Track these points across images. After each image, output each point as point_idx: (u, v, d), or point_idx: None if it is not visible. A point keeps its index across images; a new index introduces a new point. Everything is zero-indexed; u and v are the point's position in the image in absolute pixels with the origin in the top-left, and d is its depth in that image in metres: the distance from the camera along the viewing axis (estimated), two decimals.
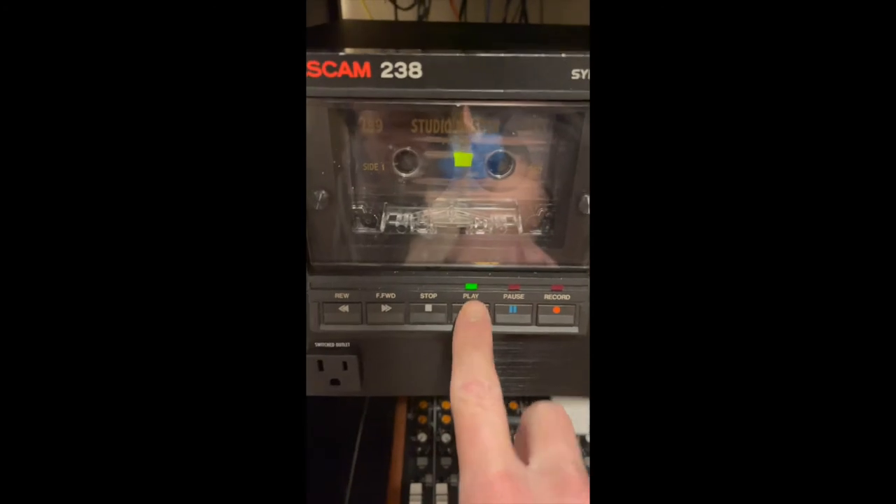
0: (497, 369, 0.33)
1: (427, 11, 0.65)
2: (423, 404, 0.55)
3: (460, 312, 0.28)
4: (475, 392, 0.24)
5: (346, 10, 0.68)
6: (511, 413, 0.54)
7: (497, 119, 0.27)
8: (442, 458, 0.49)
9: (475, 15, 0.66)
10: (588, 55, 0.23)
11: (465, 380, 0.24)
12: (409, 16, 0.66)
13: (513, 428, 0.58)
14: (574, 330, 0.29)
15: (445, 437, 0.51)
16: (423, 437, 0.51)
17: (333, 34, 0.39)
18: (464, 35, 0.42)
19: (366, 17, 0.68)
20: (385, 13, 0.66)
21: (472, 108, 0.26)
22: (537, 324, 0.29)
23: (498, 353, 0.33)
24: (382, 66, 0.23)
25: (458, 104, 0.25)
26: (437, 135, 0.27)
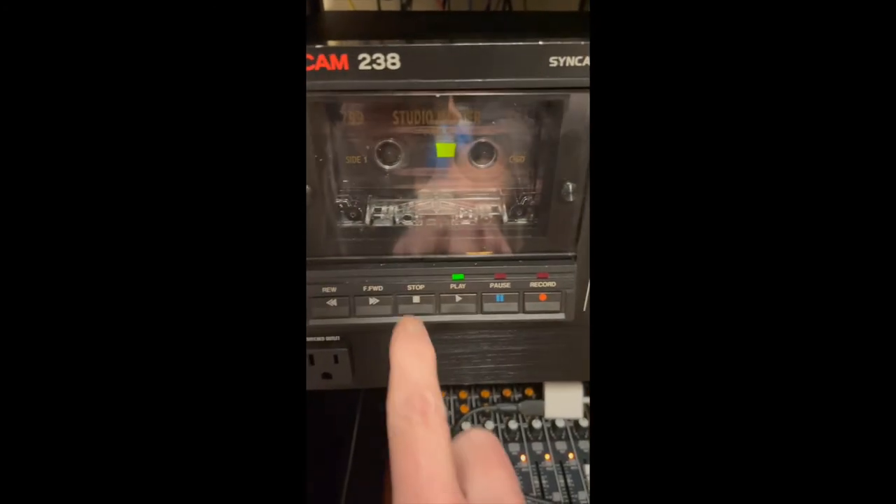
0: (487, 357, 0.34)
1: (410, 0, 0.65)
2: None
3: (398, 325, 0.25)
4: (419, 409, 0.21)
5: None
6: (505, 400, 0.54)
7: (478, 108, 0.27)
8: None
9: (459, 3, 0.65)
10: (566, 42, 0.23)
11: (408, 393, 0.21)
12: (393, 5, 0.66)
13: (507, 415, 0.58)
14: (560, 316, 0.30)
15: None
16: None
17: (313, 27, 0.39)
18: (446, 24, 0.42)
19: (348, 7, 0.67)
20: (368, 1, 0.65)
21: (452, 97, 0.26)
22: (524, 311, 0.30)
23: (488, 342, 0.33)
24: (360, 57, 0.23)
25: (436, 94, 0.25)
26: (418, 125, 0.27)
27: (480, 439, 0.23)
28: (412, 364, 0.22)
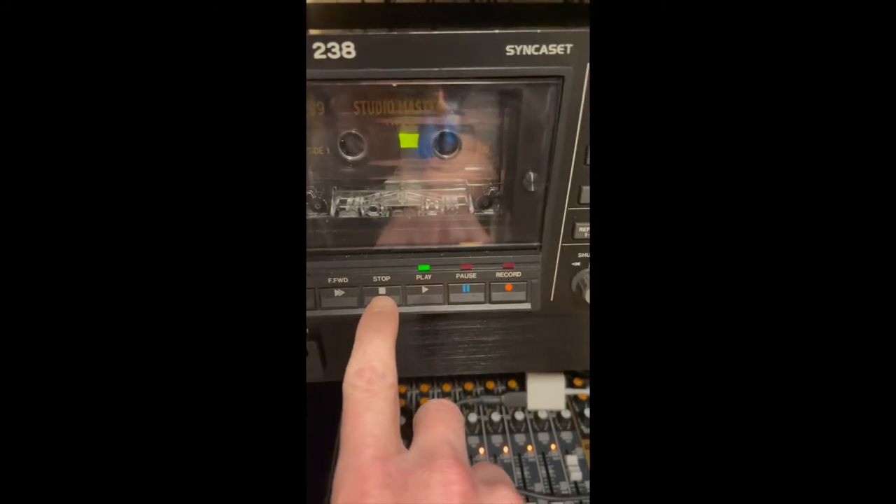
0: (458, 348, 0.34)
1: None
2: (402, 388, 0.55)
3: (368, 304, 0.28)
4: (366, 377, 0.23)
5: None
6: (488, 392, 0.54)
7: (439, 97, 0.27)
8: None
9: None
10: (522, 31, 0.23)
11: (360, 365, 0.23)
12: None
13: (490, 407, 0.58)
14: (526, 306, 0.30)
15: None
16: (401, 420, 0.52)
17: None
18: (427, 15, 0.42)
19: None
20: None
21: (412, 86, 0.26)
22: (490, 301, 0.30)
23: (459, 333, 0.33)
24: (315, 46, 0.23)
25: (393, 84, 0.25)
26: (380, 116, 0.27)
27: (432, 405, 0.25)
28: (369, 338, 0.25)
